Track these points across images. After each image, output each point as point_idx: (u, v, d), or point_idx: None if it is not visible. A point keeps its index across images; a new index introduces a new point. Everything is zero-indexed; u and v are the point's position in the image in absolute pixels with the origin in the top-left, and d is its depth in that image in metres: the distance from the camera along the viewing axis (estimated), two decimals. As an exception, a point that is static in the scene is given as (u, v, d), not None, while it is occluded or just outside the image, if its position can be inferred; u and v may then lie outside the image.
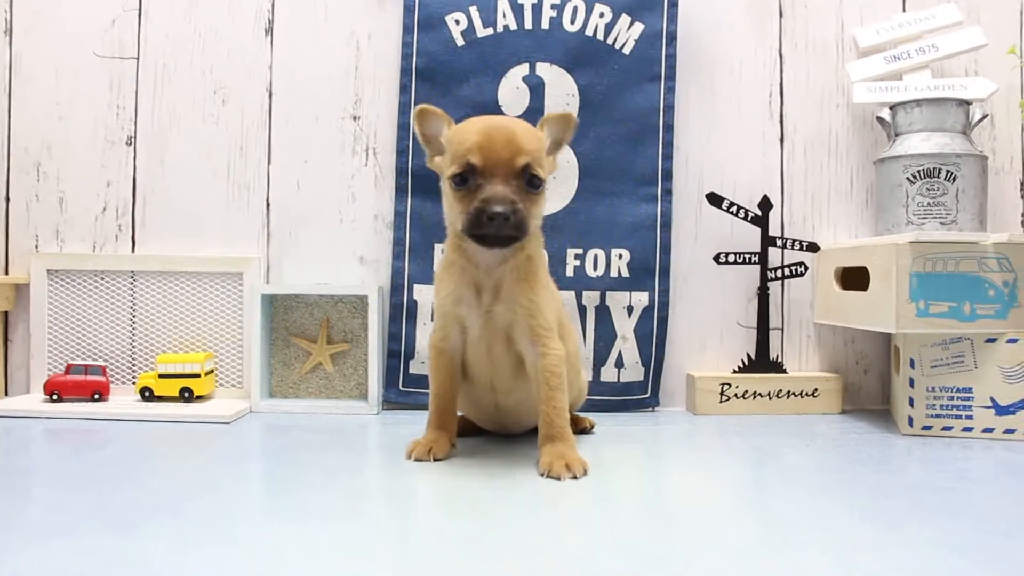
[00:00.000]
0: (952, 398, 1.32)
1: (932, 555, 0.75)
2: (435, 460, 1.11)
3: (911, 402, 1.33)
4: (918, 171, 1.44)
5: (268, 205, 1.62)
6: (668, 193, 1.57)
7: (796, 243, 1.56)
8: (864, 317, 1.40)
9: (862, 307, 1.40)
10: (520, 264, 1.10)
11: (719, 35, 1.63)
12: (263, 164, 1.62)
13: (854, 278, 1.48)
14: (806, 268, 1.56)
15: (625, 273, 1.56)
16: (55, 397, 1.48)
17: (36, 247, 1.62)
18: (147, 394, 1.50)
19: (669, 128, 1.57)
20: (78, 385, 1.49)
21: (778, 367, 1.56)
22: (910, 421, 1.33)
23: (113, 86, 1.62)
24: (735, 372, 1.56)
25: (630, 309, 1.56)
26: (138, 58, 1.63)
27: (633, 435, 1.36)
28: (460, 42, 1.58)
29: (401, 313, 1.57)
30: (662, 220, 1.57)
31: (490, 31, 1.58)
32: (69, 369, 1.51)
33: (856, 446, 1.25)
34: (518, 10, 1.58)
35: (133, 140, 1.62)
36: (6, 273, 1.62)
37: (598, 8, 1.57)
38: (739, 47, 1.64)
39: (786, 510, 0.92)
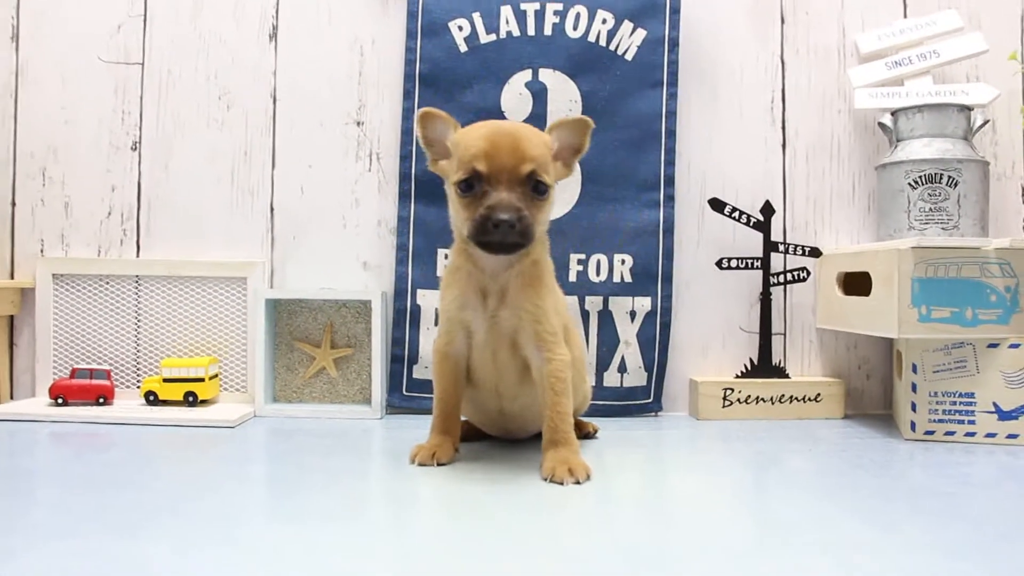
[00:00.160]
0: (954, 403, 1.32)
1: (932, 558, 0.76)
2: (439, 464, 1.11)
3: (913, 407, 1.34)
4: (920, 176, 1.44)
5: (272, 210, 1.63)
6: (670, 199, 1.58)
7: (798, 248, 1.56)
8: (866, 322, 1.40)
9: (864, 312, 1.41)
10: (525, 269, 1.10)
11: (721, 41, 1.64)
12: (267, 169, 1.63)
13: (856, 283, 1.48)
14: (808, 273, 1.57)
15: (628, 278, 1.56)
16: (60, 401, 1.49)
17: (41, 251, 1.63)
18: (152, 398, 1.51)
19: (671, 134, 1.58)
20: (83, 389, 1.50)
21: (780, 372, 1.57)
22: (912, 426, 1.34)
23: (118, 91, 1.63)
24: (737, 377, 1.57)
25: (633, 314, 1.56)
26: (143, 63, 1.64)
27: (636, 440, 1.36)
28: (463, 48, 1.59)
29: (404, 318, 1.57)
30: (664, 225, 1.57)
31: (493, 37, 1.59)
32: (74, 373, 1.52)
33: (858, 451, 1.26)
34: (521, 16, 1.59)
35: (138, 145, 1.63)
36: (12, 277, 1.63)
37: (601, 14, 1.58)
38: (741, 53, 1.64)
39: (787, 513, 0.92)
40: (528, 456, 1.18)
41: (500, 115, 1.56)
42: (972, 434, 1.31)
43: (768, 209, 1.57)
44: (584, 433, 1.35)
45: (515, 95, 1.57)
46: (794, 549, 0.79)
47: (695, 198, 1.62)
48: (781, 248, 1.57)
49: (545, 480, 1.03)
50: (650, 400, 1.57)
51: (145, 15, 1.64)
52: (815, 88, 1.65)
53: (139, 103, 1.63)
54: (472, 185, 1.04)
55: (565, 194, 1.56)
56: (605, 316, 1.56)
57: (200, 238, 1.62)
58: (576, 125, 1.12)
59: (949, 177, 1.43)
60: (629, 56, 1.58)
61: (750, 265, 1.57)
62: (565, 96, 1.57)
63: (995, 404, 1.30)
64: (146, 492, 0.97)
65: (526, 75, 1.58)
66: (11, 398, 1.61)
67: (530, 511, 0.91)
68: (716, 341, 1.62)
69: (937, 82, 1.58)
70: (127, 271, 1.60)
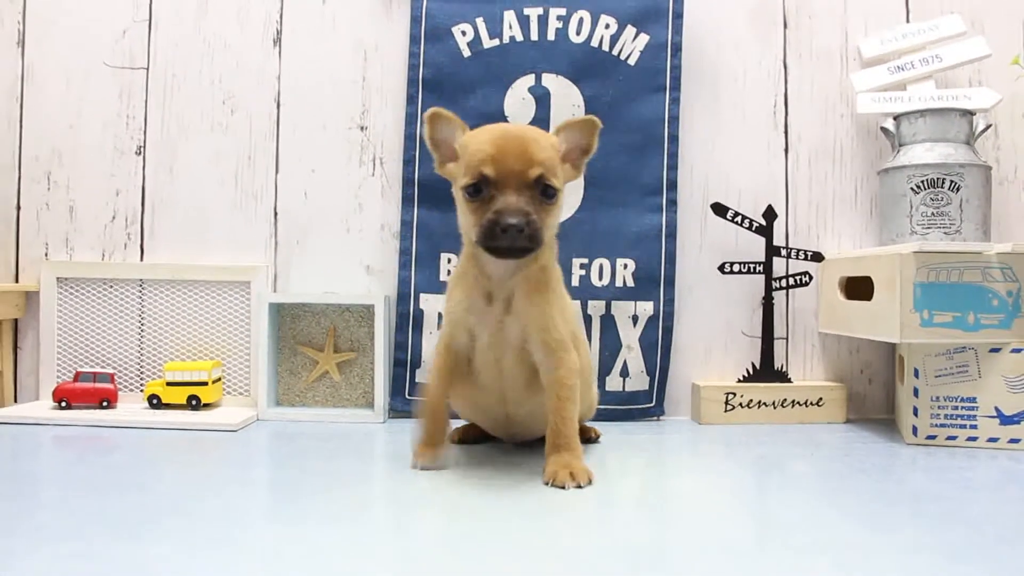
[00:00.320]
0: (957, 408, 1.32)
1: (933, 560, 0.76)
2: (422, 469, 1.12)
3: (915, 411, 1.34)
4: (922, 181, 1.44)
5: (276, 214, 1.63)
6: (673, 203, 1.58)
7: (800, 253, 1.57)
8: (868, 327, 1.40)
9: (866, 317, 1.41)
10: (533, 275, 1.09)
11: (724, 46, 1.64)
12: (271, 173, 1.64)
13: (859, 288, 1.48)
14: (810, 278, 1.57)
15: (630, 283, 1.56)
16: (64, 404, 1.49)
17: (46, 255, 1.63)
18: (155, 401, 1.51)
19: (674, 138, 1.58)
20: (87, 392, 1.50)
21: (783, 376, 1.57)
22: (914, 430, 1.34)
23: (123, 96, 1.64)
24: (740, 381, 1.57)
25: (635, 318, 1.56)
26: (148, 68, 1.64)
27: (637, 444, 1.36)
28: (467, 53, 1.59)
29: (407, 322, 1.58)
30: (667, 230, 1.58)
31: (496, 42, 1.59)
32: (78, 376, 1.52)
33: (860, 455, 1.26)
34: (524, 21, 1.59)
35: (142, 149, 1.64)
36: (16, 281, 1.63)
37: (603, 19, 1.59)
38: (743, 57, 1.65)
39: (788, 517, 0.92)
40: (531, 460, 1.19)
41: (503, 120, 1.56)
42: (974, 439, 1.31)
43: (770, 214, 1.57)
44: (586, 437, 1.35)
45: (518, 100, 1.58)
46: (795, 552, 0.79)
47: (698, 202, 1.62)
48: (783, 253, 1.57)
49: (546, 484, 1.03)
50: (652, 404, 1.57)
51: (150, 20, 1.64)
52: (818, 92, 1.65)
53: (143, 107, 1.64)
54: (480, 189, 1.02)
55: (569, 198, 1.57)
56: (607, 320, 1.56)
57: (204, 242, 1.63)
58: (584, 126, 1.11)
59: (951, 182, 1.43)
60: (632, 61, 1.59)
61: (752, 269, 1.57)
62: (568, 101, 1.58)
63: (997, 409, 1.30)
64: (149, 495, 0.97)
65: (529, 80, 1.58)
66: (15, 401, 1.61)
67: (532, 514, 0.91)
68: (718, 345, 1.62)
69: (940, 86, 1.58)
70: (131, 275, 1.61)
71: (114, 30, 1.64)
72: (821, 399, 1.54)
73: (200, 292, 1.61)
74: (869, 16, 1.65)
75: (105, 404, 1.50)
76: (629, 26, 1.59)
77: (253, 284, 1.59)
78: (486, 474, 1.11)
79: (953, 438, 1.32)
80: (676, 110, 1.58)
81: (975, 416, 1.31)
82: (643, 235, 1.57)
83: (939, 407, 1.32)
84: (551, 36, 1.59)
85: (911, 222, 1.46)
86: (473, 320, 1.11)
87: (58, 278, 1.61)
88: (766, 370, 1.57)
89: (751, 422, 1.52)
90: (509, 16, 1.59)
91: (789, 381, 1.56)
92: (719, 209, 1.56)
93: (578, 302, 1.55)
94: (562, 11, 1.59)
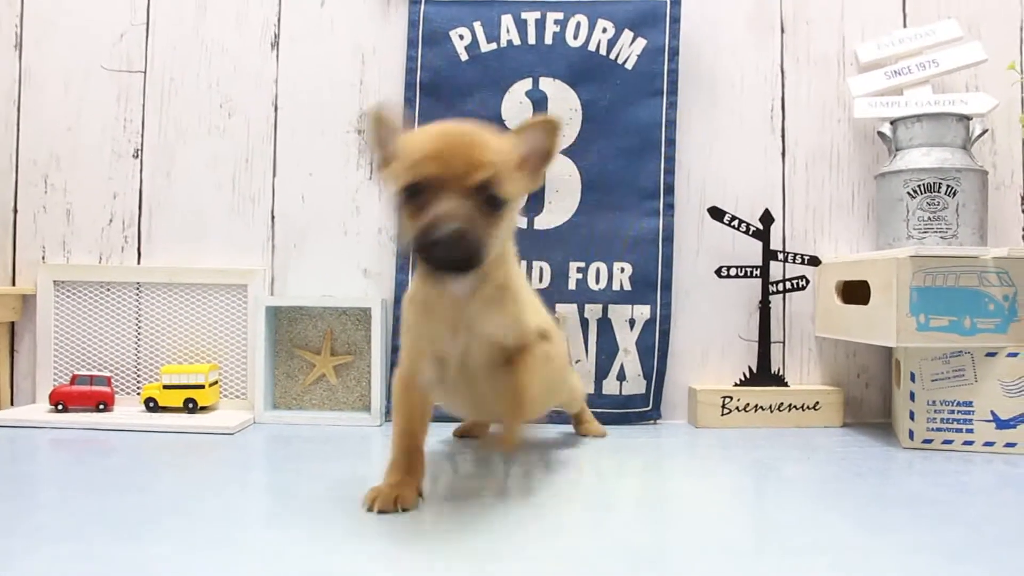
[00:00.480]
0: (953, 412, 1.32)
1: (928, 562, 0.76)
2: (403, 511, 0.93)
3: (912, 415, 1.34)
4: (919, 186, 1.45)
5: (273, 217, 1.63)
6: (670, 207, 1.58)
7: (797, 257, 1.57)
8: (865, 331, 1.40)
9: (863, 321, 1.41)
10: (491, 295, 0.98)
11: (721, 50, 1.65)
12: (268, 177, 1.64)
13: (856, 292, 1.48)
14: (807, 282, 1.57)
15: (627, 287, 1.56)
16: (60, 407, 1.49)
17: (43, 258, 1.63)
18: (151, 405, 1.51)
19: (671, 143, 1.58)
20: (83, 395, 1.50)
21: (779, 380, 1.57)
22: (911, 434, 1.34)
23: (121, 99, 1.64)
24: (736, 385, 1.57)
25: (632, 322, 1.56)
26: (145, 71, 1.64)
27: (634, 447, 1.36)
28: (464, 57, 1.59)
29: (404, 325, 1.58)
30: (664, 234, 1.58)
31: (494, 46, 1.59)
32: (74, 379, 1.52)
33: (856, 459, 1.26)
34: (521, 25, 1.59)
35: (140, 152, 1.64)
36: (13, 284, 1.63)
37: (601, 24, 1.59)
38: (741, 62, 1.65)
39: (784, 520, 0.92)
40: (520, 465, 1.19)
41: (501, 123, 1.57)
42: (970, 443, 1.31)
43: (767, 218, 1.57)
44: (586, 432, 1.38)
45: (515, 104, 1.58)
46: (792, 554, 0.79)
47: (695, 206, 1.62)
48: (780, 257, 1.57)
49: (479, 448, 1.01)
50: (649, 408, 1.57)
51: (148, 23, 1.65)
52: (815, 97, 1.65)
53: (141, 111, 1.64)
54: (416, 192, 0.88)
55: (565, 202, 1.57)
56: (604, 324, 1.56)
57: (201, 245, 1.63)
58: (543, 127, 0.97)
59: (948, 186, 1.43)
60: (629, 65, 1.59)
61: (749, 274, 1.57)
62: (565, 105, 1.58)
63: (993, 413, 1.30)
64: (146, 497, 0.97)
65: (526, 84, 1.59)
66: (11, 404, 1.61)
67: (529, 516, 0.91)
68: (715, 349, 1.62)
69: (936, 91, 1.58)
70: (128, 278, 1.61)
71: (112, 33, 1.64)
72: (818, 403, 1.54)
73: (197, 295, 1.61)
74: (866, 21, 1.65)
75: (102, 407, 1.50)
76: (627, 30, 1.59)
77: (250, 287, 1.59)
78: (482, 475, 1.11)
79: (949, 442, 1.32)
80: (673, 114, 1.59)
81: (971, 420, 1.31)
82: (640, 239, 1.57)
83: (935, 411, 1.33)
84: (548, 40, 1.59)
85: (908, 226, 1.46)
86: (439, 349, 1.00)
87: (55, 281, 1.60)
88: (763, 374, 1.57)
89: (748, 426, 1.52)
90: (507, 20, 1.60)
91: (786, 385, 1.57)
92: (716, 213, 1.57)
93: (574, 305, 1.55)
94: (560, 15, 1.59)
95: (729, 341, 1.62)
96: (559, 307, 1.55)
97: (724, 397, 1.53)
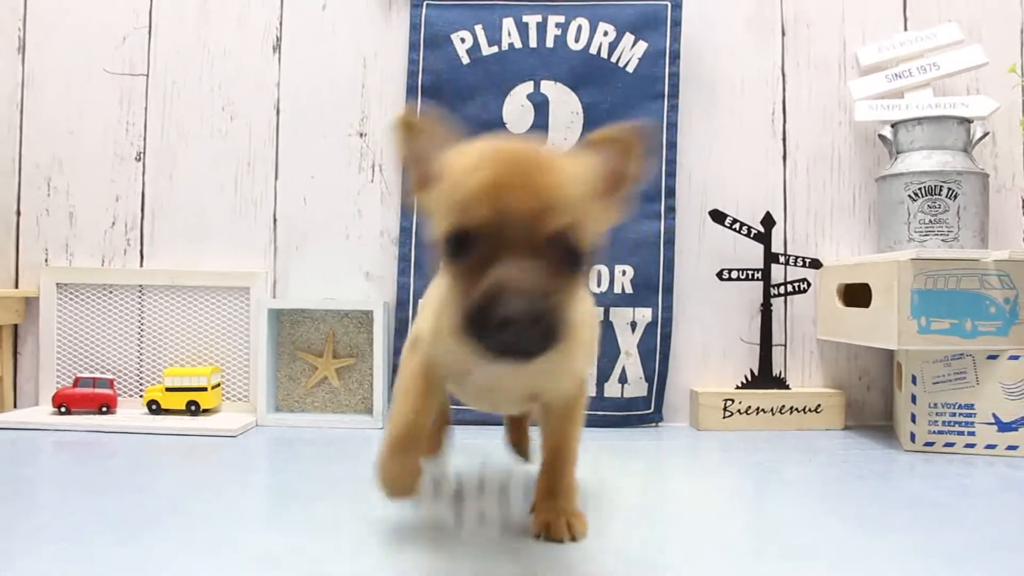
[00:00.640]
0: (954, 414, 1.32)
1: (929, 565, 0.76)
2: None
3: (913, 418, 1.34)
4: (919, 188, 1.45)
5: (275, 220, 1.63)
6: (671, 210, 1.58)
7: (798, 260, 1.57)
8: (866, 334, 1.40)
9: (864, 324, 1.41)
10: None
11: (722, 53, 1.65)
12: (270, 180, 1.64)
13: (857, 295, 1.49)
14: (809, 284, 1.57)
15: (628, 289, 1.57)
16: (63, 409, 1.49)
17: (46, 261, 1.64)
18: (154, 407, 1.51)
19: (672, 145, 1.59)
20: (86, 398, 1.50)
21: (781, 383, 1.57)
22: (912, 437, 1.34)
23: (123, 102, 1.65)
24: (738, 388, 1.57)
25: (633, 325, 1.57)
26: (148, 74, 1.65)
27: (636, 450, 1.36)
28: (465, 60, 1.60)
29: (406, 328, 1.58)
30: (665, 237, 1.58)
31: (495, 49, 1.60)
32: (77, 382, 1.52)
33: (858, 461, 1.26)
34: (523, 28, 1.60)
35: (142, 155, 1.64)
36: (16, 286, 1.64)
37: (602, 27, 1.59)
38: (742, 65, 1.65)
39: (785, 522, 0.93)
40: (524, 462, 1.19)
41: (502, 127, 1.57)
42: (972, 445, 1.31)
43: (768, 220, 1.58)
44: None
45: (517, 107, 1.58)
46: (793, 557, 0.79)
47: (696, 209, 1.62)
48: (781, 259, 1.57)
49: (537, 537, 0.83)
50: (650, 411, 1.57)
51: (150, 26, 1.65)
52: (816, 100, 1.65)
53: (143, 114, 1.65)
54: (467, 244, 0.64)
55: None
56: (606, 327, 1.56)
57: (203, 248, 1.63)
58: (620, 143, 0.72)
59: (949, 189, 1.43)
60: (630, 68, 1.59)
61: (751, 276, 1.57)
62: (567, 108, 1.58)
63: (995, 416, 1.30)
64: (148, 500, 0.98)
65: (528, 87, 1.59)
66: (15, 406, 1.61)
67: (527, 517, 0.91)
68: (717, 352, 1.62)
69: (937, 94, 1.58)
70: (130, 280, 1.61)
71: (114, 36, 1.65)
72: (819, 406, 1.54)
73: (200, 298, 1.61)
74: (867, 24, 1.65)
75: (104, 409, 1.50)
76: (628, 33, 1.59)
77: (252, 290, 1.60)
78: (482, 475, 1.11)
79: (951, 445, 1.32)
80: (674, 117, 1.59)
81: (973, 423, 1.31)
82: (641, 242, 1.57)
83: (937, 414, 1.33)
84: (550, 43, 1.60)
85: (909, 229, 1.46)
86: (468, 371, 0.80)
87: (58, 284, 1.61)
88: (764, 377, 1.57)
89: (749, 429, 1.52)
90: (508, 23, 1.60)
91: (787, 388, 1.57)
92: (717, 216, 1.57)
93: (577, 308, 1.55)
94: (561, 18, 1.60)
95: (730, 344, 1.62)
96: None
97: (726, 400, 1.53)
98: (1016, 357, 1.29)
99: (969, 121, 1.48)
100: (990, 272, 1.29)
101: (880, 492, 1.08)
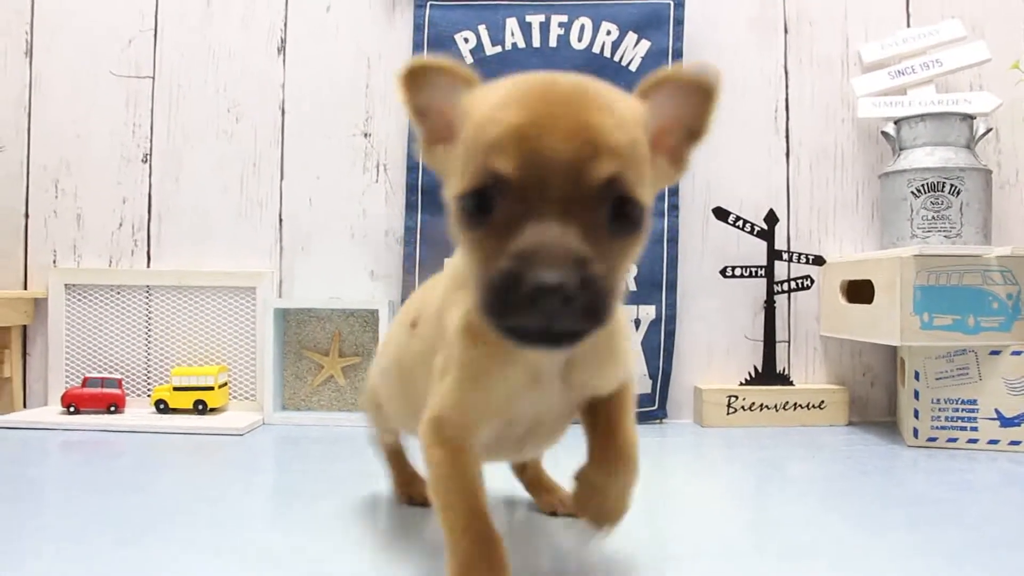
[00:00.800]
0: (957, 410, 1.32)
1: (932, 562, 0.77)
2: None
3: (916, 414, 1.34)
4: (922, 185, 1.45)
5: (281, 220, 1.65)
6: (675, 208, 1.59)
7: (802, 257, 1.57)
8: (869, 330, 1.41)
9: (867, 320, 1.41)
10: (600, 341, 0.61)
11: (725, 51, 1.65)
12: (276, 180, 1.65)
13: (861, 291, 1.49)
14: (812, 281, 1.57)
15: (632, 287, 1.57)
16: (72, 409, 1.51)
17: (54, 262, 1.65)
18: (162, 406, 1.53)
19: (675, 143, 1.59)
20: (95, 397, 1.52)
21: (785, 379, 1.57)
22: (915, 433, 1.34)
23: (129, 104, 1.66)
24: (742, 384, 1.57)
25: (637, 322, 1.57)
26: (154, 77, 1.66)
27: (641, 446, 1.37)
28: (469, 60, 1.61)
29: (411, 326, 1.59)
30: (669, 234, 1.59)
31: (499, 49, 1.61)
32: (86, 382, 1.54)
33: (860, 457, 1.26)
34: (526, 28, 1.60)
35: (149, 157, 1.66)
36: (25, 288, 1.65)
37: (605, 26, 1.60)
38: (745, 63, 1.66)
39: (789, 518, 0.93)
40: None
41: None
42: (975, 441, 1.31)
43: (772, 218, 1.58)
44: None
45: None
46: (796, 553, 0.80)
47: (699, 207, 1.63)
48: (785, 256, 1.58)
49: (596, 526, 0.70)
50: (655, 408, 1.58)
51: (156, 29, 1.66)
52: (819, 97, 1.66)
53: (150, 116, 1.66)
54: (489, 204, 0.51)
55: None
56: (610, 324, 1.57)
57: (210, 248, 1.64)
58: (692, 87, 0.58)
59: (952, 186, 1.43)
60: (633, 67, 1.60)
61: (754, 273, 1.58)
62: (570, 107, 1.59)
63: (997, 411, 1.30)
64: (153, 499, 0.99)
65: (531, 86, 1.59)
66: (24, 406, 1.63)
67: (533, 516, 0.92)
68: (720, 349, 1.63)
69: (940, 91, 1.58)
70: (138, 281, 1.62)
71: (120, 39, 1.66)
72: (823, 402, 1.54)
73: (206, 298, 1.62)
74: (869, 21, 1.66)
75: (113, 409, 1.52)
76: (630, 32, 1.60)
77: (259, 290, 1.61)
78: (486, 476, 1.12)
79: (953, 440, 1.33)
80: (677, 116, 1.59)
81: (975, 418, 1.31)
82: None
83: (940, 409, 1.33)
84: (553, 43, 1.60)
85: (912, 226, 1.46)
86: (514, 409, 0.66)
87: (66, 285, 1.62)
88: (768, 373, 1.57)
89: (753, 425, 1.53)
90: (511, 23, 1.61)
91: (791, 384, 1.57)
92: (720, 213, 1.57)
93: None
94: (564, 18, 1.60)
95: (734, 341, 1.63)
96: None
97: (729, 396, 1.54)
98: (1019, 353, 1.29)
99: (972, 117, 1.48)
100: (992, 268, 1.30)
101: (883, 488, 1.09)
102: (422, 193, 1.60)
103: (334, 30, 1.66)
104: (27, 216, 1.66)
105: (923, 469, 1.19)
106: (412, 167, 1.61)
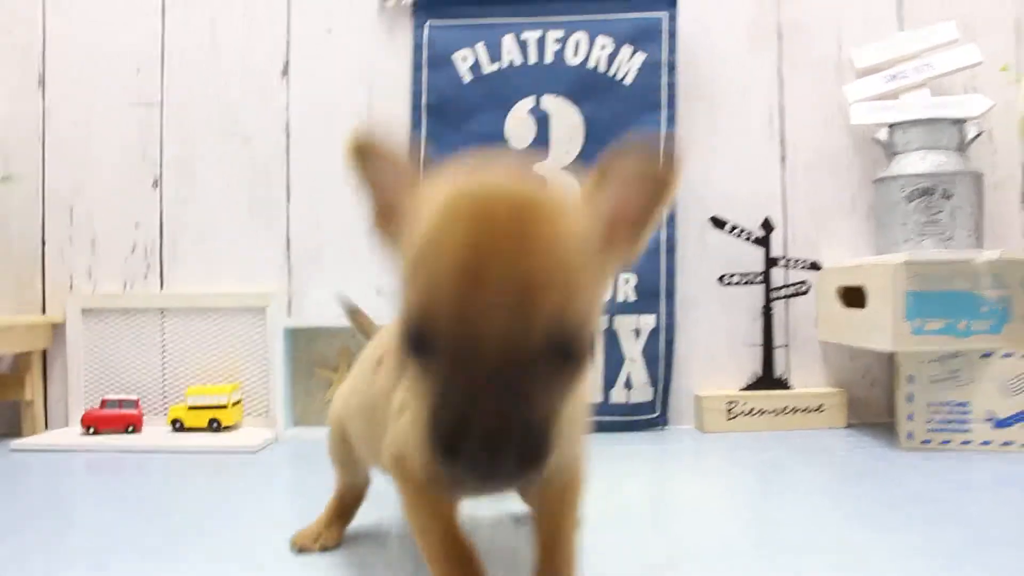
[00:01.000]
0: (951, 412, 1.35)
1: (930, 562, 0.81)
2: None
3: (910, 417, 1.37)
4: (915, 190, 1.47)
5: (288, 241, 1.69)
6: (672, 217, 1.62)
7: (798, 263, 1.60)
8: (862, 335, 1.43)
9: (860, 325, 1.44)
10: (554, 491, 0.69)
11: (719, 58, 1.68)
12: (282, 201, 1.69)
13: (859, 295, 1.51)
14: (809, 287, 1.60)
15: (632, 297, 1.60)
16: (92, 430, 1.55)
17: (71, 287, 1.70)
18: (178, 425, 1.57)
19: (671, 154, 1.61)
20: (113, 418, 1.56)
21: (783, 384, 1.60)
22: (910, 435, 1.37)
23: (139, 130, 1.70)
24: (742, 390, 1.60)
25: (637, 332, 1.60)
26: (162, 103, 1.71)
27: (642, 453, 1.40)
28: (468, 78, 1.64)
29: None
30: (667, 244, 1.62)
31: (496, 66, 1.64)
32: (104, 403, 1.58)
33: (857, 459, 1.29)
34: (523, 45, 1.64)
35: (159, 181, 1.70)
36: (43, 313, 1.70)
37: (600, 40, 1.63)
38: (739, 70, 1.68)
39: (789, 520, 0.97)
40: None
41: (504, 143, 1.61)
42: (968, 442, 1.34)
43: (768, 225, 1.61)
44: None
45: (519, 122, 1.62)
46: (796, 554, 0.84)
47: (696, 216, 1.65)
48: (781, 263, 1.60)
49: None
50: (656, 415, 1.61)
51: (163, 56, 1.71)
52: (813, 103, 1.68)
53: (159, 141, 1.70)
54: (427, 344, 0.49)
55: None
56: (610, 335, 1.60)
57: (220, 270, 1.69)
58: (645, 167, 0.56)
59: (943, 190, 1.45)
60: (628, 80, 1.62)
61: (752, 280, 1.60)
62: (567, 121, 1.62)
63: (989, 413, 1.33)
64: (176, 516, 1.03)
65: (529, 102, 1.63)
66: (46, 428, 1.68)
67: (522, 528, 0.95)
68: (720, 355, 1.65)
69: (934, 94, 1.59)
70: (152, 304, 1.67)
71: (129, 67, 1.71)
72: (822, 405, 1.57)
73: (219, 319, 1.67)
74: (863, 26, 1.67)
75: (131, 429, 1.56)
76: (626, 45, 1.63)
77: (268, 309, 1.65)
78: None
79: (947, 442, 1.35)
80: (673, 127, 1.62)
81: (968, 420, 1.34)
82: (643, 249, 1.60)
83: (933, 412, 1.36)
84: (549, 59, 1.64)
85: (905, 230, 1.49)
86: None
87: (83, 309, 1.67)
88: (767, 378, 1.60)
89: (754, 430, 1.55)
90: (508, 40, 1.64)
91: (790, 388, 1.60)
92: (717, 223, 1.60)
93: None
94: (560, 33, 1.63)
95: (733, 347, 1.65)
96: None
97: (729, 402, 1.57)
98: (1009, 355, 1.32)
99: (963, 121, 1.50)
100: (982, 272, 1.32)
101: (881, 489, 1.11)
102: (425, 210, 1.63)
103: (336, 52, 1.69)
104: (43, 243, 1.71)
105: (919, 471, 1.22)
106: (414, 185, 1.64)
